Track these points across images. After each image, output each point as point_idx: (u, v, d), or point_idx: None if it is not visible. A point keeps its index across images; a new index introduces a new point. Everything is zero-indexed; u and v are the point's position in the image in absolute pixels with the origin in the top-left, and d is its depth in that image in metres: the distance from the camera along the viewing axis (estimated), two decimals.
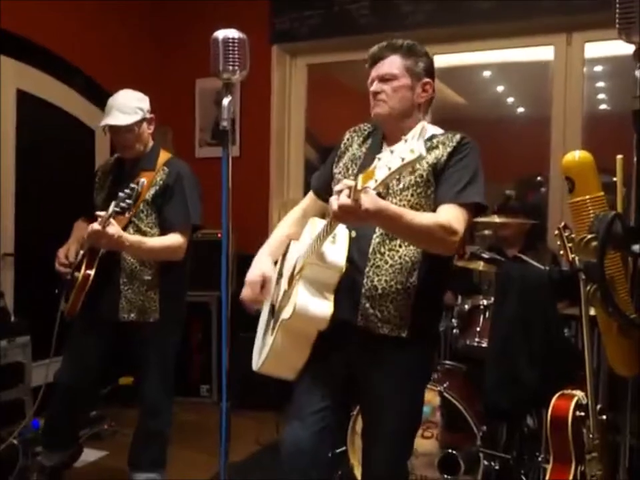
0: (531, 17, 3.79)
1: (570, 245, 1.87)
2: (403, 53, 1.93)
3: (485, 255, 3.06)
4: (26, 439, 3.13)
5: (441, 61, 4.29)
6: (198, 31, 4.29)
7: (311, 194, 2.14)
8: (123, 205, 2.40)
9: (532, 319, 2.43)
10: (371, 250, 1.86)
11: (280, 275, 2.04)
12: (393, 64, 1.92)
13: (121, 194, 2.41)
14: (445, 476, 2.80)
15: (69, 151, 4.03)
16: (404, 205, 1.83)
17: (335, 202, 1.53)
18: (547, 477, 2.11)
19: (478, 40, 4.07)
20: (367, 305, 1.85)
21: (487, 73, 5.31)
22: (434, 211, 1.83)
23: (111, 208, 2.38)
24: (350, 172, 1.97)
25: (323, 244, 1.75)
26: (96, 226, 2.37)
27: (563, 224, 1.93)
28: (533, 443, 2.92)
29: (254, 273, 1.98)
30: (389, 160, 1.41)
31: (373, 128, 2.05)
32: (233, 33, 1.64)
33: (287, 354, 1.86)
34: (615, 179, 1.67)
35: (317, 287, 1.78)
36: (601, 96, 5.07)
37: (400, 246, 1.85)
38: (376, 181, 1.42)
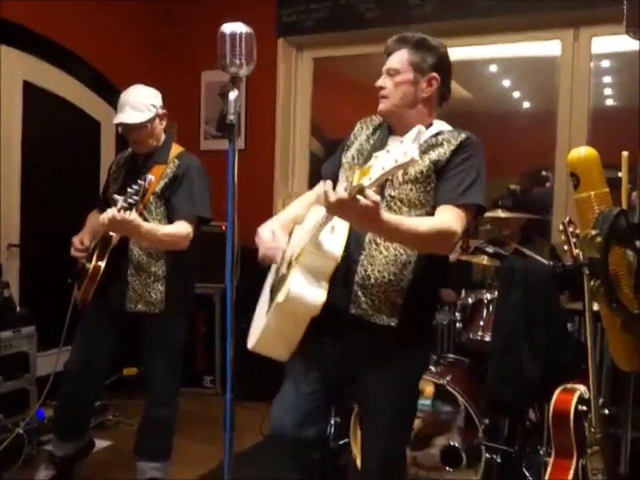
0: (538, 12, 3.77)
1: (574, 239, 1.88)
2: (410, 47, 1.94)
3: (489, 250, 3.06)
4: (31, 428, 3.16)
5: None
6: (204, 23, 4.29)
7: (321, 183, 2.14)
8: (130, 200, 2.43)
9: (535, 313, 2.44)
10: (367, 239, 1.87)
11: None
12: (398, 58, 1.94)
13: (129, 190, 2.45)
14: (448, 468, 2.82)
15: (74, 143, 4.04)
16: (402, 199, 1.85)
17: (332, 194, 1.54)
18: (549, 471, 2.12)
19: (484, 34, 4.06)
20: (360, 293, 1.87)
21: (493, 68, 5.30)
22: (433, 206, 1.85)
23: (119, 203, 2.41)
24: (356, 162, 1.99)
25: (321, 233, 1.76)
26: (113, 211, 2.38)
27: (567, 219, 1.94)
28: (535, 437, 2.94)
29: (265, 230, 1.98)
30: (384, 160, 1.44)
31: (383, 120, 2.06)
32: (240, 27, 1.63)
33: (281, 335, 1.87)
34: (620, 174, 1.68)
35: (313, 274, 1.80)
36: (608, 91, 5.06)
37: None
38: (370, 179, 1.45)
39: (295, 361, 1.98)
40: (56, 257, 2.95)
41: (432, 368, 3.02)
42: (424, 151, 1.87)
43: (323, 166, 2.18)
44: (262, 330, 1.87)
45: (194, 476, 3.00)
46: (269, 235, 1.94)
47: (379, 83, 1.95)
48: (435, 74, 1.94)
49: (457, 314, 3.19)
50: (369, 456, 2.01)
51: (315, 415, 1.99)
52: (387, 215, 1.63)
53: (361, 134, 2.07)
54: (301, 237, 1.90)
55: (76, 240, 2.77)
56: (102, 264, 2.64)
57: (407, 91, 1.93)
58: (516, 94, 5.75)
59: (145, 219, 2.61)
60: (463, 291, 3.25)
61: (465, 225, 1.81)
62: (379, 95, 1.95)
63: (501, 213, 3.30)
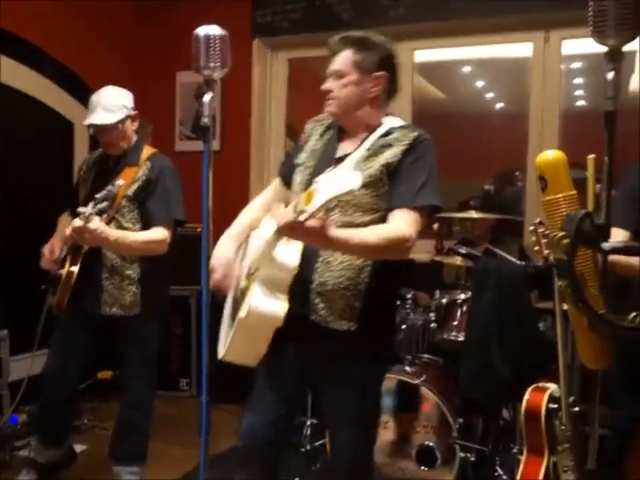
0: (510, 14, 3.82)
1: (544, 240, 1.91)
2: (354, 47, 1.91)
3: (462, 250, 3.10)
4: (4, 434, 3.13)
5: (422, 55, 4.32)
6: (179, 23, 4.29)
7: (277, 181, 2.16)
8: (100, 206, 2.40)
9: (507, 313, 2.48)
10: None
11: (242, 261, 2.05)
12: (342, 60, 1.92)
13: (97, 195, 2.42)
14: (422, 468, 2.84)
15: (47, 144, 3.99)
16: (355, 203, 1.83)
17: (280, 218, 1.57)
18: (521, 468, 2.15)
19: (458, 35, 4.09)
20: (317, 300, 1.87)
21: (466, 69, 5.35)
22: (387, 208, 1.85)
23: (89, 210, 2.38)
24: (308, 164, 1.99)
25: (276, 246, 1.76)
26: (78, 222, 2.37)
27: (538, 220, 1.97)
28: (509, 435, 2.98)
29: (219, 257, 1.96)
30: (327, 186, 1.44)
31: (333, 119, 2.05)
32: (214, 30, 1.65)
33: (247, 346, 1.88)
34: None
35: (270, 287, 1.80)
36: (579, 92, 5.14)
37: None
38: (314, 205, 1.45)
39: (261, 369, 2.01)
40: (27, 259, 2.92)
41: (407, 368, 3.04)
42: (374, 154, 1.87)
43: (279, 166, 2.20)
44: (229, 342, 1.87)
45: (169, 479, 2.99)
46: (222, 261, 1.94)
47: (326, 86, 1.95)
48: (381, 72, 1.93)
49: (431, 314, 3.22)
50: (336, 461, 2.04)
51: (280, 422, 2.00)
52: (335, 232, 1.63)
53: (313, 134, 2.07)
54: (257, 246, 1.90)
55: (46, 250, 2.75)
56: (75, 269, 2.62)
57: (353, 92, 1.92)
58: (489, 95, 5.81)
59: (119, 223, 2.61)
60: (437, 292, 3.28)
61: (420, 227, 1.82)
62: (326, 97, 1.94)
63: (473, 214, 3.34)
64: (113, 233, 2.51)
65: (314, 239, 1.61)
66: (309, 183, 1.80)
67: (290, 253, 1.81)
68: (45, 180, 3.92)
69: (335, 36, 1.96)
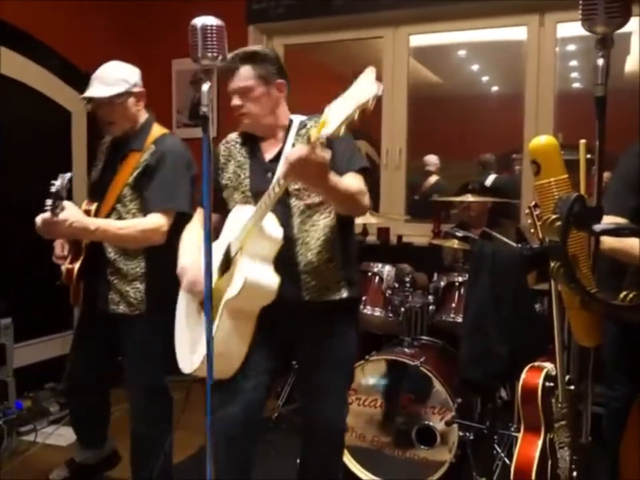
0: None
1: (539, 222, 1.96)
2: (252, 62, 2.06)
3: (459, 234, 3.13)
4: (10, 420, 3.17)
5: (417, 40, 4.34)
6: (174, 11, 4.28)
7: (202, 211, 2.14)
8: (49, 203, 2.16)
9: (503, 295, 2.52)
10: (296, 230, 2.03)
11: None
12: (245, 76, 2.06)
13: (52, 189, 2.17)
14: (422, 447, 2.90)
15: (44, 134, 3.99)
16: (307, 188, 2.00)
17: (292, 153, 1.64)
18: (518, 445, 2.21)
19: (452, 20, 4.10)
20: (309, 279, 2.04)
21: (462, 52, 5.36)
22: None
23: (49, 203, 2.17)
24: (242, 177, 2.14)
25: (262, 218, 1.87)
26: (38, 219, 2.19)
27: (533, 203, 2.01)
28: (506, 414, 3.04)
29: (186, 263, 2.06)
30: (341, 105, 1.52)
31: (241, 136, 2.21)
32: (211, 20, 1.66)
33: (229, 343, 1.91)
34: (588, 156, 1.75)
35: (260, 260, 1.89)
36: (574, 74, 5.16)
37: (318, 220, 2.05)
38: (331, 128, 1.53)
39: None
40: (29, 248, 2.94)
41: (406, 350, 3.10)
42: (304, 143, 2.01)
43: (198, 198, 2.21)
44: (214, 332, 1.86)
45: (175, 461, 3.04)
46: (191, 265, 2.03)
47: (235, 103, 2.07)
48: (280, 80, 2.11)
49: (429, 297, 3.27)
50: (316, 418, 2.17)
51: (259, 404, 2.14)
52: (331, 174, 1.76)
53: (232, 152, 2.20)
54: (230, 238, 2.00)
55: (57, 245, 2.59)
56: (74, 266, 2.50)
57: (264, 102, 2.08)
58: (485, 78, 5.82)
59: (119, 214, 2.43)
60: (435, 274, 3.32)
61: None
62: (238, 114, 2.08)
63: (469, 197, 3.37)
64: (92, 222, 2.30)
65: (319, 176, 1.70)
66: (253, 189, 2.04)
67: (274, 225, 1.91)
68: (42, 169, 3.92)
69: (228, 57, 2.10)
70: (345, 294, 2.09)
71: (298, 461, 2.35)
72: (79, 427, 2.78)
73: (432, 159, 5.36)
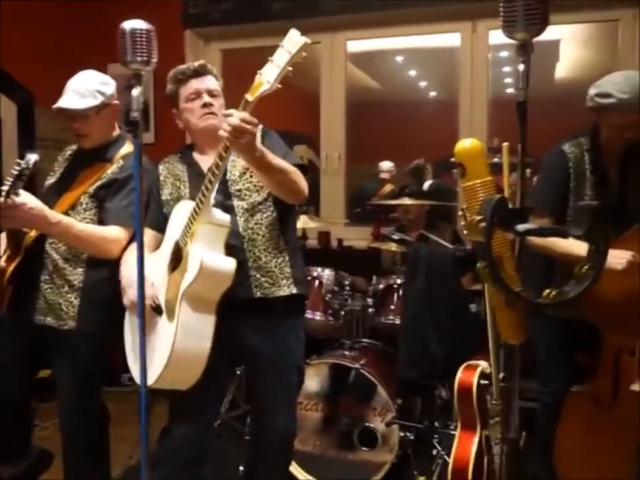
0: (438, 4, 3.91)
1: (464, 223, 2.01)
2: (214, 75, 2.21)
3: (395, 236, 3.18)
4: None
5: (355, 46, 4.39)
6: (109, 14, 4.17)
7: (149, 231, 2.17)
8: (7, 183, 2.02)
9: (438, 296, 2.57)
10: (241, 229, 2.06)
11: None
12: (213, 83, 2.19)
13: (13, 171, 2.04)
14: (364, 448, 2.92)
15: None
16: (248, 187, 2.09)
17: (231, 119, 1.71)
18: (455, 442, 2.25)
19: (389, 26, 4.16)
20: (258, 276, 2.07)
21: (399, 58, 5.45)
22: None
23: (4, 188, 2.04)
24: (182, 189, 2.17)
25: (209, 203, 1.91)
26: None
27: (465, 205, 2.06)
28: (446, 413, 3.09)
29: (129, 276, 2.02)
30: (274, 61, 1.65)
31: (179, 153, 2.29)
32: (140, 24, 1.64)
33: (189, 346, 1.89)
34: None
35: (211, 246, 1.91)
36: (508, 80, 5.30)
37: (261, 219, 2.09)
38: (268, 82, 1.67)
39: None
40: None
41: (346, 353, 3.12)
42: None
43: (147, 219, 2.16)
44: (169, 347, 1.88)
45: (114, 475, 2.98)
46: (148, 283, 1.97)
47: (210, 100, 2.14)
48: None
49: (368, 299, 3.30)
50: (268, 423, 2.17)
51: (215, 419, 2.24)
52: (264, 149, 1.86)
53: (172, 170, 2.24)
54: (174, 237, 2.02)
55: None
56: (9, 266, 2.33)
57: (220, 110, 2.14)
58: (423, 84, 5.92)
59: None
60: (374, 277, 3.36)
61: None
62: (209, 111, 2.13)
63: (407, 200, 3.42)
64: (54, 215, 2.17)
65: (252, 145, 1.78)
66: (194, 199, 2.00)
67: (219, 212, 1.95)
68: None
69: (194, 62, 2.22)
70: (294, 290, 2.13)
71: (241, 468, 2.33)
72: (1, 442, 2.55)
73: (386, 165, 5.33)
